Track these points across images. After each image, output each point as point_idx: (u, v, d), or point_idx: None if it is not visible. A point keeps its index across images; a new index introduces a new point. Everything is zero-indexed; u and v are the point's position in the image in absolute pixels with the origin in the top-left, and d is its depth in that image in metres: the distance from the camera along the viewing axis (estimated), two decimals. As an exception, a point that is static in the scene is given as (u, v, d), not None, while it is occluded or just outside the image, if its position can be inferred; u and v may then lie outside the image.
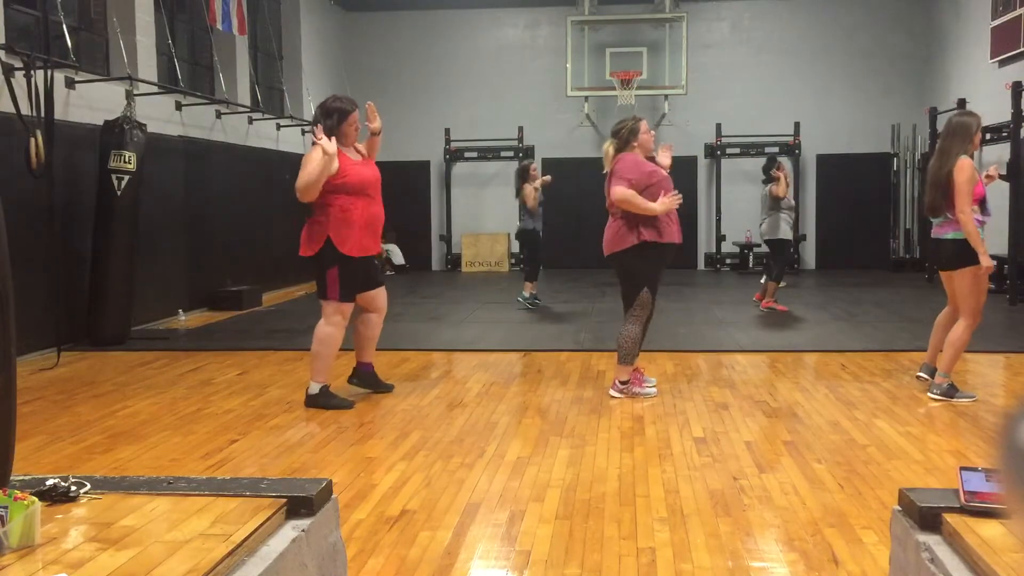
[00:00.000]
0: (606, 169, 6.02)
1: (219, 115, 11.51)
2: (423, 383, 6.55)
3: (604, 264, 6.13)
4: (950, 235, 5.64)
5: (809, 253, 16.14)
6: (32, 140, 7.34)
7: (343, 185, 5.61)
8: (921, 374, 6.20)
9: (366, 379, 6.15)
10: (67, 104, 8.38)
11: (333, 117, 5.67)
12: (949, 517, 2.24)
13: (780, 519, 3.68)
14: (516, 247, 13.73)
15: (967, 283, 5.64)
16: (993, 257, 6.01)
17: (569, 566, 3.24)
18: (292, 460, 4.62)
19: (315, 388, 5.76)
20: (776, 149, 15.20)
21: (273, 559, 2.16)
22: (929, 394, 5.79)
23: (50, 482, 2.36)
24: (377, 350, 6.20)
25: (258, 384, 6.53)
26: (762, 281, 10.48)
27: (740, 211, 15.54)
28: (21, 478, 2.40)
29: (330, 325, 5.70)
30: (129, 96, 8.61)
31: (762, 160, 11.79)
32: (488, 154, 16.24)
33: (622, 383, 5.97)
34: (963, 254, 5.60)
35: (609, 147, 6.04)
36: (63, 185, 8.12)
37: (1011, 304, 10.45)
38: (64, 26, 8.50)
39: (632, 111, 15.08)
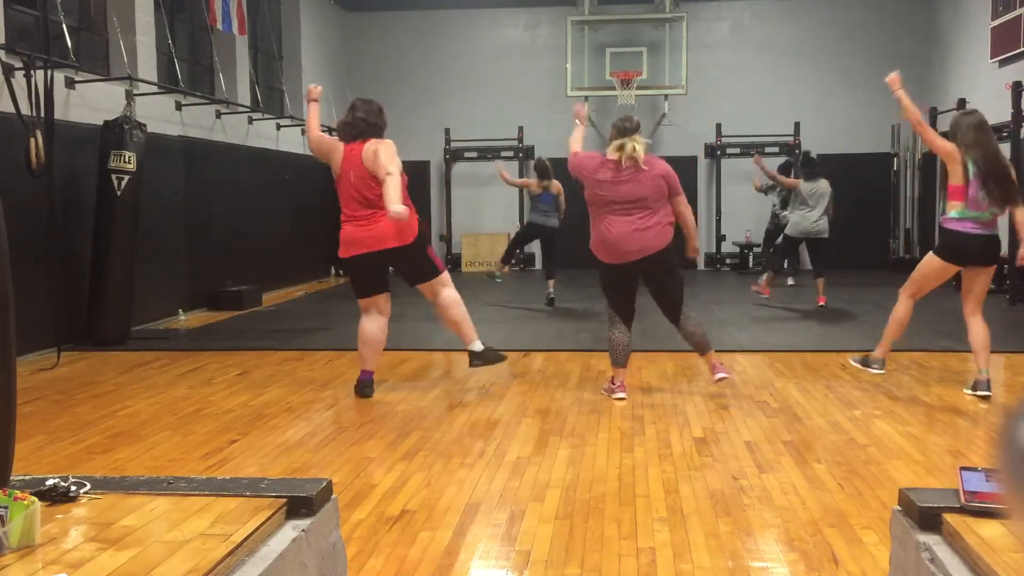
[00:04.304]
0: (626, 164, 5.71)
1: (219, 115, 11.51)
2: (423, 383, 6.55)
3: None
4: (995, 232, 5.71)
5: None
6: (32, 140, 7.33)
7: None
8: (980, 392, 5.75)
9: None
10: (67, 104, 8.38)
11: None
12: (949, 517, 2.24)
13: (780, 519, 3.68)
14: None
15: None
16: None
17: (569, 566, 3.24)
18: (292, 460, 4.63)
19: (479, 345, 6.13)
20: (776, 149, 15.21)
21: (273, 559, 2.16)
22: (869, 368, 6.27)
23: (50, 482, 2.36)
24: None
25: (258, 384, 6.53)
26: (816, 279, 10.35)
27: (740, 211, 15.53)
28: (21, 478, 2.40)
29: (454, 290, 6.06)
30: (129, 96, 8.61)
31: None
32: (488, 154, 16.21)
33: (721, 367, 6.02)
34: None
35: (639, 145, 5.75)
36: (63, 185, 8.12)
37: (1011, 304, 10.44)
38: (64, 26, 8.50)
39: (632, 111, 15.09)
